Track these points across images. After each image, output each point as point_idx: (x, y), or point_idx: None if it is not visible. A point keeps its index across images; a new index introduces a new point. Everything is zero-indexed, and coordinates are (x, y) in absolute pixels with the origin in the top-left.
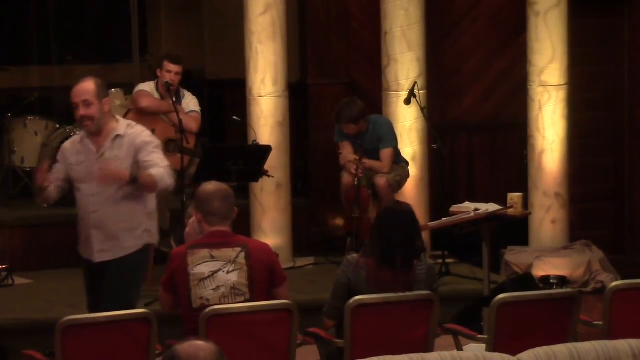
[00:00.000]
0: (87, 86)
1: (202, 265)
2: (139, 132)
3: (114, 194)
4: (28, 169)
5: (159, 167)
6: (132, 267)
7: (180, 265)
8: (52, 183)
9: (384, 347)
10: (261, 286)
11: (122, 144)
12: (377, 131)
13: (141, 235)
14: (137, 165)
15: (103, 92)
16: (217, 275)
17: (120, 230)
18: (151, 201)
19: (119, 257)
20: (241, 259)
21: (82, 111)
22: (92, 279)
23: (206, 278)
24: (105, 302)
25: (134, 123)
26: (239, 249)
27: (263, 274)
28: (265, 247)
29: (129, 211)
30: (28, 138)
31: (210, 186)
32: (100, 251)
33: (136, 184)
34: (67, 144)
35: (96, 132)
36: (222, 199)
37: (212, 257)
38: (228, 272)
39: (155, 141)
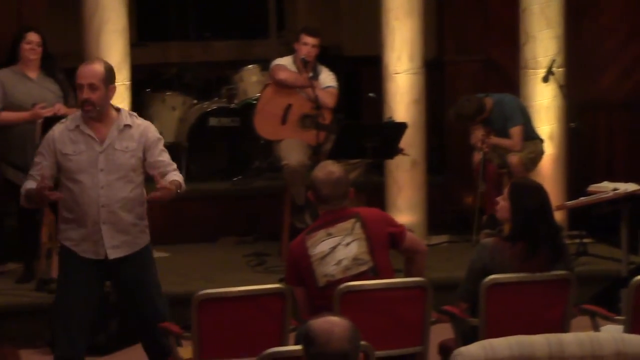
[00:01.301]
0: (96, 69)
1: (321, 244)
2: (148, 126)
3: (123, 185)
4: (166, 144)
5: (175, 168)
6: (151, 261)
7: (300, 252)
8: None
9: (519, 327)
10: (382, 251)
11: (132, 135)
12: (502, 111)
13: (145, 229)
14: (142, 161)
15: (111, 77)
16: (336, 249)
17: (129, 224)
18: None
19: (133, 252)
20: (357, 228)
21: (85, 94)
22: (92, 279)
23: (327, 255)
24: (145, 304)
25: (134, 113)
26: (353, 220)
27: (382, 239)
28: (377, 212)
29: (137, 203)
30: (166, 113)
31: (321, 172)
32: (113, 247)
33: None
34: (54, 135)
35: (96, 119)
36: (332, 186)
37: (329, 234)
38: (347, 245)
39: (161, 137)
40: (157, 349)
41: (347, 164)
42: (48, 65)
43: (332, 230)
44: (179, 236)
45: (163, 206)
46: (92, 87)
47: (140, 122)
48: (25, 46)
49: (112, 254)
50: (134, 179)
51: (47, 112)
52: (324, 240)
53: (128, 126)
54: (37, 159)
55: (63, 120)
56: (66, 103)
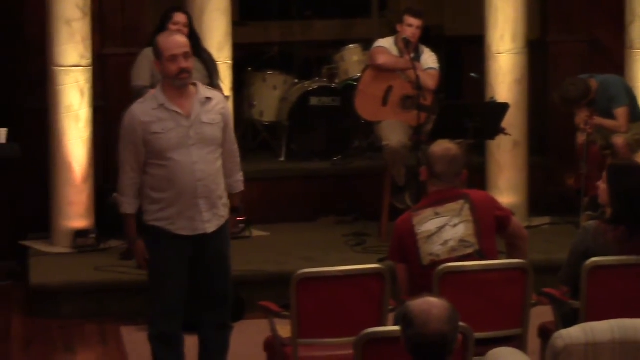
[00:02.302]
0: (183, 39)
1: (427, 223)
2: (223, 98)
3: (213, 158)
4: (266, 123)
5: (238, 162)
6: (228, 237)
7: (406, 229)
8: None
9: (622, 310)
10: (488, 234)
11: (215, 107)
12: (607, 92)
13: (227, 202)
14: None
15: None
16: (444, 230)
17: (217, 197)
18: None
19: (220, 226)
20: (466, 210)
21: (183, 63)
22: (183, 256)
23: (434, 234)
24: (221, 278)
25: (205, 86)
26: (462, 201)
27: (488, 223)
28: (485, 195)
29: (222, 175)
30: (267, 92)
31: (438, 148)
32: (208, 221)
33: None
34: (135, 118)
35: (179, 94)
36: (448, 163)
37: (437, 214)
38: (454, 226)
39: None
40: (221, 330)
41: None
42: (193, 45)
43: (440, 209)
44: (279, 215)
45: (264, 186)
46: (187, 55)
47: (217, 94)
48: (172, 26)
49: (209, 228)
50: (219, 151)
51: None
52: (431, 219)
53: (209, 99)
54: (125, 156)
55: (140, 101)
56: (211, 82)
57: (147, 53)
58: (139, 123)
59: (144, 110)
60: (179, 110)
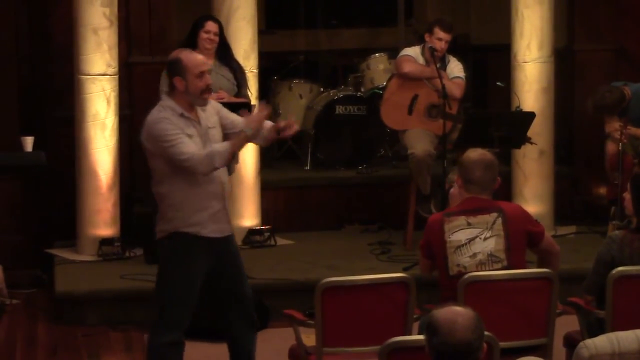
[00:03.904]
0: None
1: (458, 232)
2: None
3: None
4: None
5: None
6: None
7: (436, 233)
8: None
9: None
10: (518, 251)
11: (210, 111)
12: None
13: None
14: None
15: None
16: (474, 242)
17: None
18: None
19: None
20: (498, 224)
21: (209, 80)
22: (207, 260)
23: (463, 245)
24: (245, 278)
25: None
26: (495, 214)
27: (520, 238)
28: (519, 209)
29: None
30: (293, 101)
31: (474, 154)
32: (229, 223)
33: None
34: (172, 119)
35: (190, 104)
36: (484, 169)
37: (469, 224)
38: (485, 239)
39: None
40: (252, 329)
41: None
42: (224, 54)
43: (472, 220)
44: (304, 224)
45: (289, 195)
46: (209, 73)
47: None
48: (203, 35)
49: (231, 229)
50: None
51: (213, 98)
52: (462, 229)
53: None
54: (174, 133)
55: (159, 110)
56: (239, 92)
57: None
58: (175, 122)
59: (173, 116)
60: (193, 117)
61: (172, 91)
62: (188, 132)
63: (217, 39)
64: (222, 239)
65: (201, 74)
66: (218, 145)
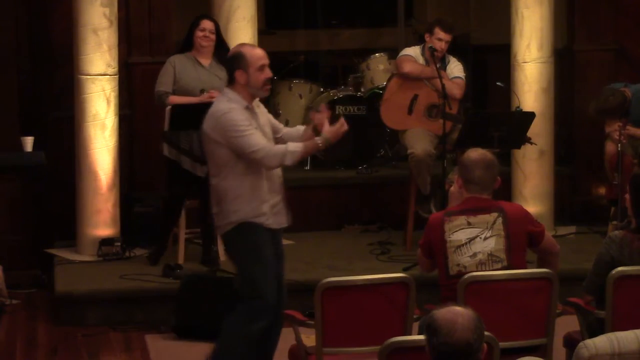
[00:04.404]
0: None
1: (458, 232)
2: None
3: None
4: None
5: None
6: None
7: (437, 232)
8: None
9: None
10: (519, 250)
11: (262, 110)
12: None
13: None
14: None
15: None
16: (474, 242)
17: None
18: None
19: None
20: (499, 224)
21: (270, 73)
22: (270, 248)
23: (463, 245)
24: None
25: None
26: (495, 214)
27: (520, 238)
28: (520, 209)
29: None
30: (292, 101)
31: (475, 154)
32: (285, 215)
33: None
34: (242, 110)
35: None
36: (484, 168)
37: (469, 223)
38: (485, 239)
39: None
40: (278, 328)
41: None
42: (221, 53)
43: (472, 219)
44: (304, 224)
45: (289, 195)
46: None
47: None
48: (199, 33)
49: (286, 222)
50: None
51: (205, 98)
52: (462, 229)
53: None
54: (245, 124)
55: (228, 100)
56: None
57: (173, 60)
58: (245, 114)
59: (240, 109)
60: (255, 112)
61: (232, 84)
62: (255, 125)
63: (213, 36)
64: (279, 231)
65: (262, 67)
66: (292, 145)
